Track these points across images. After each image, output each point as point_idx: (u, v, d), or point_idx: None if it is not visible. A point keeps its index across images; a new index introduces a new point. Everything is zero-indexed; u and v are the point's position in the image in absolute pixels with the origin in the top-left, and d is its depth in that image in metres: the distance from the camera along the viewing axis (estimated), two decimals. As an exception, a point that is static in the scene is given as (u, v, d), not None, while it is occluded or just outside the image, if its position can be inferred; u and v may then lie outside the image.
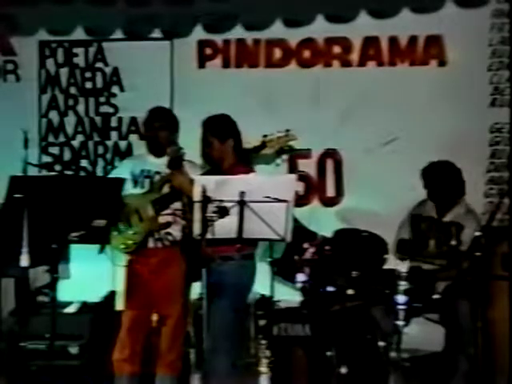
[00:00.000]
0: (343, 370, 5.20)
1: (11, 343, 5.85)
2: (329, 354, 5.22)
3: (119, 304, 5.44)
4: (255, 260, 5.01)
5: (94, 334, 5.90)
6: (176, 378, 5.18)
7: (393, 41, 6.32)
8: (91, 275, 6.05)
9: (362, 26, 6.28)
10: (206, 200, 4.39)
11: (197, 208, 4.42)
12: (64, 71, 6.73)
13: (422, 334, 5.59)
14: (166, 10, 6.46)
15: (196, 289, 5.03)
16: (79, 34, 6.57)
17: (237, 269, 4.86)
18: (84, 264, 6.03)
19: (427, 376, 5.50)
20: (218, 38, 6.51)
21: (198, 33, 6.49)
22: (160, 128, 5.16)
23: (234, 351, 4.90)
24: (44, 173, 6.21)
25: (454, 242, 5.28)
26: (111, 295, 6.03)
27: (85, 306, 6.10)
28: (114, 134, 6.72)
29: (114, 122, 6.72)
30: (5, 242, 4.66)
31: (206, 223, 4.39)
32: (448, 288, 5.42)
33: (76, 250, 5.92)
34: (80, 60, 6.71)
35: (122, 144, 6.70)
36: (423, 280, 5.21)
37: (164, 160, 5.05)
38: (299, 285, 5.48)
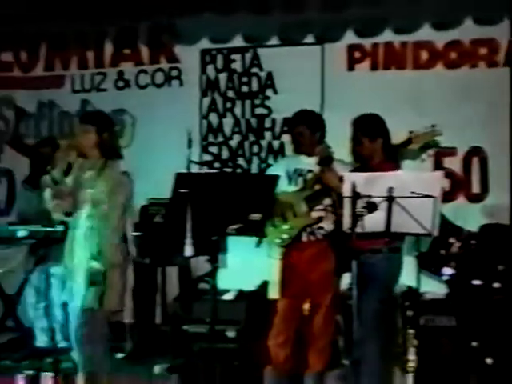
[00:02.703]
0: (488, 361, 5.26)
1: (175, 326, 6.15)
2: (474, 344, 5.30)
3: (272, 293, 5.54)
4: (402, 253, 5.10)
5: (249, 320, 6.10)
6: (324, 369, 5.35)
7: (541, 41, 6.24)
8: (246, 265, 6.26)
9: (509, 28, 6.25)
10: (355, 196, 4.52)
11: (347, 203, 4.56)
12: (223, 76, 7.06)
13: None
14: (318, 16, 6.63)
15: (345, 280, 5.27)
16: (237, 41, 6.88)
17: (385, 261, 4.97)
18: (240, 255, 6.22)
19: None
20: (367, 42, 6.63)
21: (348, 37, 6.64)
22: (301, 131, 5.33)
23: (382, 340, 5.00)
24: (205, 170, 6.46)
25: None
26: (265, 284, 6.09)
27: (241, 294, 6.32)
28: (267, 134, 6.99)
29: (267, 123, 6.98)
30: (171, 233, 4.93)
31: (356, 218, 4.52)
32: None
33: (233, 241, 6.24)
34: (237, 65, 7.01)
35: (275, 143, 6.96)
36: None
37: (315, 159, 5.23)
38: (445, 278, 5.57)
